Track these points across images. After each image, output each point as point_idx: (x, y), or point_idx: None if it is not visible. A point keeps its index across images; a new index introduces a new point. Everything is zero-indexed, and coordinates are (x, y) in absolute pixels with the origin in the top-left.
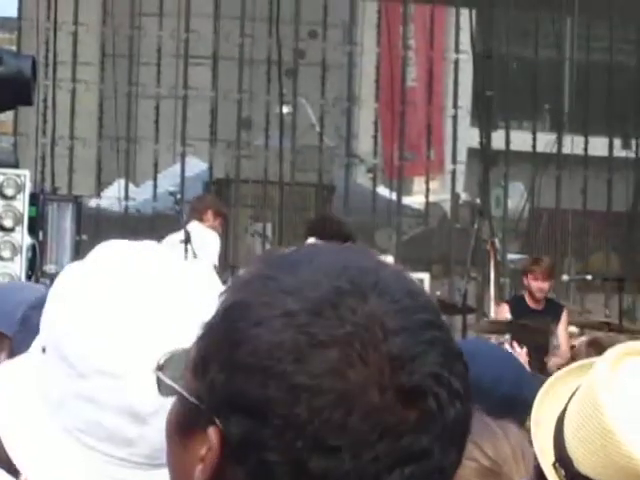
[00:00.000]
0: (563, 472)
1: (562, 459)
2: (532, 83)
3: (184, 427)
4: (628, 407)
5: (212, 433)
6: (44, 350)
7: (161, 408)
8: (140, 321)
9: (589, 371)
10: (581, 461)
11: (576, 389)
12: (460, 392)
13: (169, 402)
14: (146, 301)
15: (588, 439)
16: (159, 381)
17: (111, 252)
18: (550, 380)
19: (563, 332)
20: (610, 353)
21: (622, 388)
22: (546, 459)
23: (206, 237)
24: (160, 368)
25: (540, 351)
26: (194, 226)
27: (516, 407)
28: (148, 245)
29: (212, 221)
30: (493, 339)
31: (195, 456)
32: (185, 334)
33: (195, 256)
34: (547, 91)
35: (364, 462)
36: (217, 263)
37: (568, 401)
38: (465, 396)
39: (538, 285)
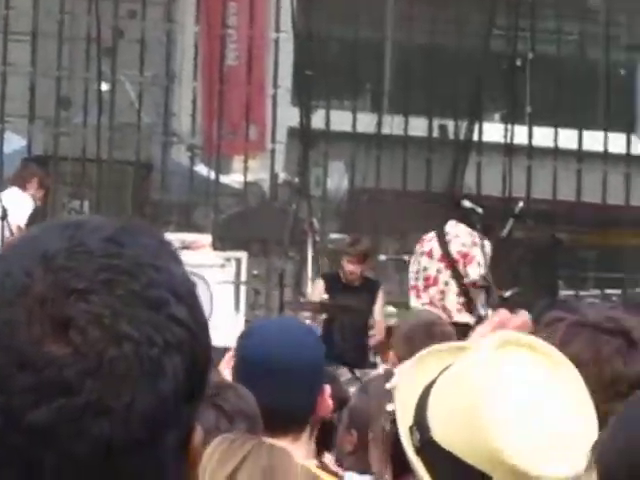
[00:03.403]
0: (418, 436)
1: (420, 424)
2: (353, 63)
3: None
4: (499, 395)
5: None
6: None
7: None
8: None
9: (465, 351)
10: (439, 431)
11: (450, 365)
12: (132, 336)
13: None
14: None
15: (453, 412)
16: None
17: None
18: (426, 350)
19: (379, 309)
20: (493, 339)
21: (498, 377)
22: (405, 421)
23: (20, 201)
24: None
25: (360, 329)
26: (12, 192)
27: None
28: None
29: (35, 190)
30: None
31: None
32: None
33: (12, 233)
34: (368, 71)
35: (8, 396)
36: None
37: (439, 374)
38: (142, 342)
39: (350, 268)
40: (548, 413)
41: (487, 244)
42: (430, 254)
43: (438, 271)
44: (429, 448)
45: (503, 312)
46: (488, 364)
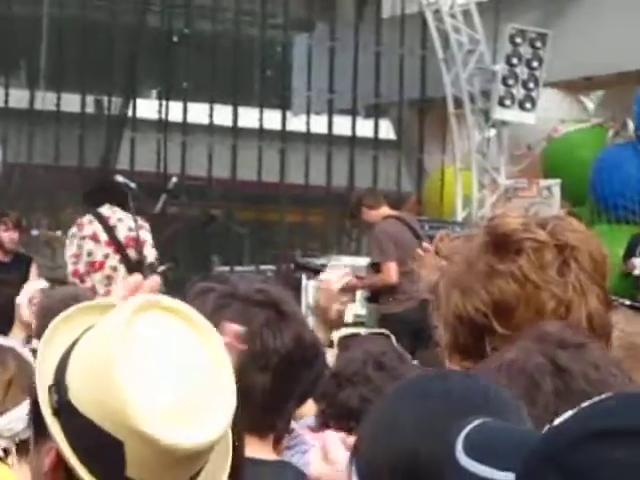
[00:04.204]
0: (56, 397)
1: (59, 385)
2: (7, 38)
3: None
4: (135, 357)
5: None
6: None
7: None
8: None
9: (110, 310)
10: (75, 393)
11: (94, 324)
12: None
13: None
14: None
15: (90, 373)
16: None
17: None
18: (73, 309)
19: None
20: (131, 303)
21: (135, 339)
22: (44, 381)
23: None
24: None
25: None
26: None
27: None
28: None
29: None
30: None
31: None
32: None
33: None
34: (23, 47)
35: None
36: None
37: (82, 333)
38: None
39: (10, 235)
40: (184, 377)
41: (145, 225)
42: (95, 238)
43: (105, 256)
44: (66, 410)
45: (136, 276)
46: (122, 325)
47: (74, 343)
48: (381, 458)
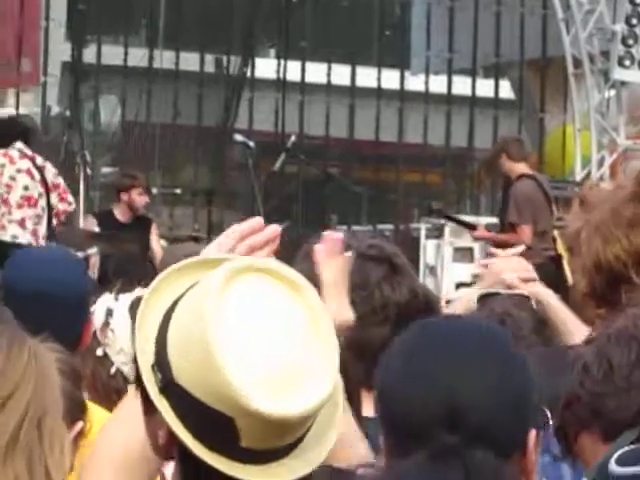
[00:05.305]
0: (160, 376)
1: (161, 363)
2: None
3: None
4: (232, 330)
5: None
6: None
7: None
8: None
9: (207, 270)
10: (177, 370)
11: (189, 287)
12: None
13: None
14: None
15: (189, 351)
16: None
17: None
18: (169, 270)
19: (156, 244)
20: (225, 268)
21: (230, 309)
22: (146, 359)
23: None
24: None
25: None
26: None
27: None
28: None
29: None
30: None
31: None
32: None
33: None
34: (142, 5)
35: None
36: None
37: (179, 298)
38: None
39: (143, 199)
40: (284, 344)
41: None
42: (30, 174)
43: (39, 195)
44: (172, 389)
45: (257, 219)
46: (217, 291)
47: (170, 311)
48: (413, 400)
